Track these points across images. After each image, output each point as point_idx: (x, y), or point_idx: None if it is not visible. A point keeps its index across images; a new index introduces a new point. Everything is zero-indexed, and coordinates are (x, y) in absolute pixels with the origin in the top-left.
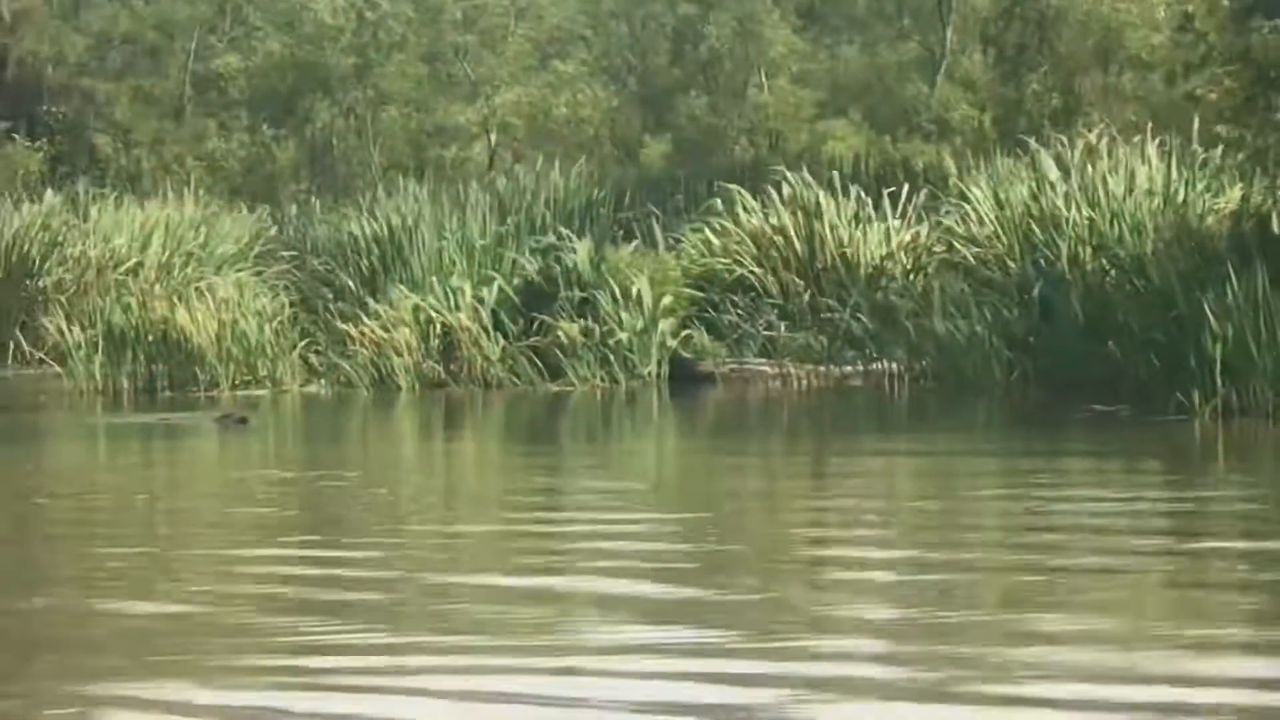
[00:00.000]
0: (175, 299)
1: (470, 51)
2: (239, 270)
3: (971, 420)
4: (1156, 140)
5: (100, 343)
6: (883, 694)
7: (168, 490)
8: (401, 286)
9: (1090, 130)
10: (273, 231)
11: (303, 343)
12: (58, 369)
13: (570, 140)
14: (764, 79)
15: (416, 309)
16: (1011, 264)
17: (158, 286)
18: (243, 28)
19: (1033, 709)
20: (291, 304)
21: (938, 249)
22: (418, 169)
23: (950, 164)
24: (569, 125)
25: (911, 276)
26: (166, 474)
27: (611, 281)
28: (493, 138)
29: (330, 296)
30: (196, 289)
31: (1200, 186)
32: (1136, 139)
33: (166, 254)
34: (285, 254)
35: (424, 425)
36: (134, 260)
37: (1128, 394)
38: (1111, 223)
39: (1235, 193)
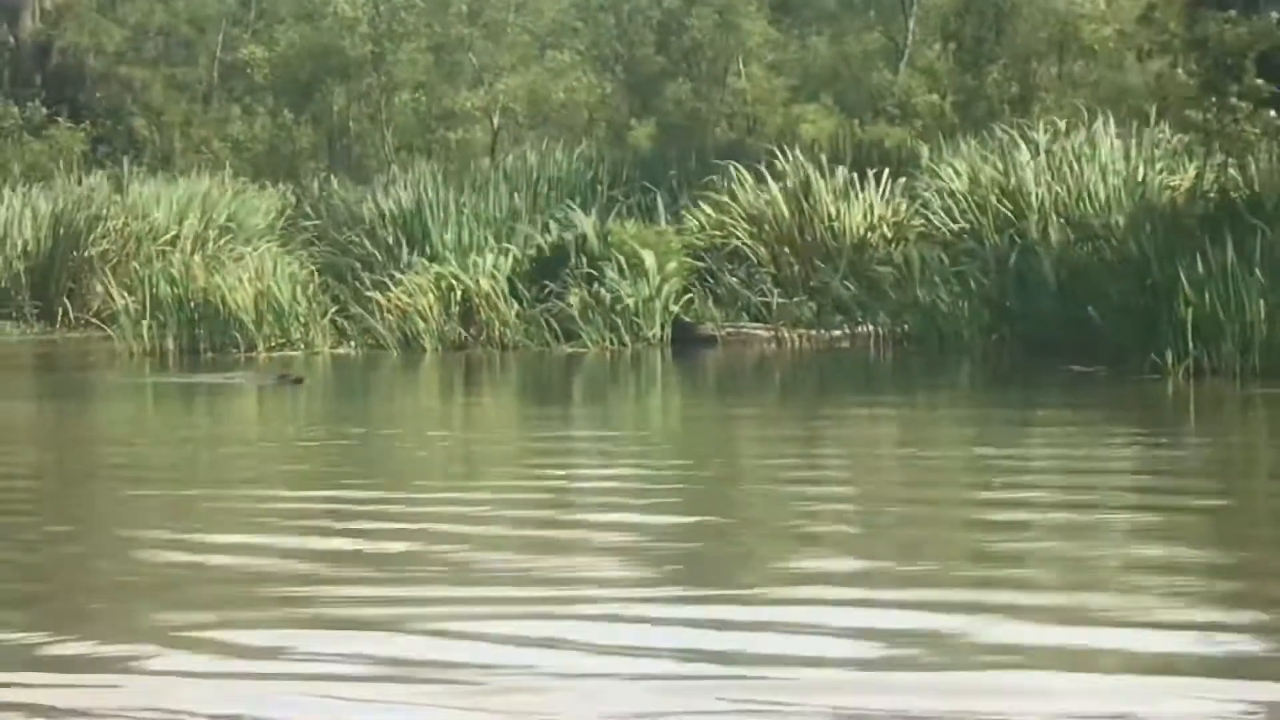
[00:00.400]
0: (213, 268)
1: (474, 42)
2: (267, 242)
3: (955, 379)
4: (1113, 123)
5: (146, 307)
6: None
7: (250, 441)
8: (422, 260)
9: (1046, 116)
10: (295, 207)
11: (333, 309)
12: (106, 331)
13: (565, 124)
14: (741, 67)
15: (439, 277)
16: (987, 237)
17: (196, 256)
18: (262, 20)
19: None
20: (320, 272)
21: (915, 222)
22: (426, 150)
23: (923, 146)
24: (565, 110)
25: (893, 247)
26: (243, 429)
27: (618, 252)
28: (495, 121)
29: (357, 267)
30: (233, 258)
31: (1159, 165)
32: (1098, 122)
33: (201, 226)
34: (308, 227)
35: (452, 382)
36: (171, 233)
37: (1104, 356)
38: (1078, 199)
39: (1191, 170)
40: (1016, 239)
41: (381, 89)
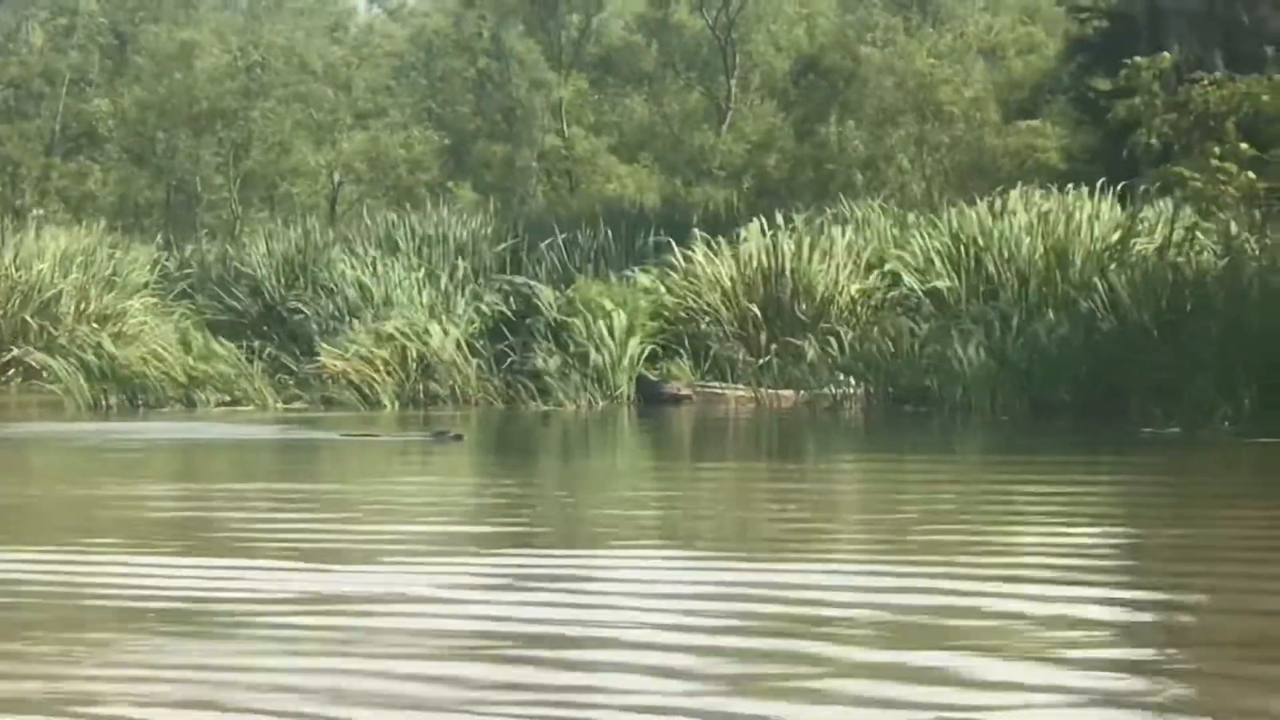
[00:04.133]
0: (123, 342)
1: (323, 101)
2: (142, 298)
3: (1040, 443)
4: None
5: (84, 372)
6: None
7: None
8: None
9: (899, 179)
10: (168, 262)
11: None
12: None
13: (388, 185)
14: (564, 124)
15: (392, 337)
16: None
17: (104, 332)
18: (104, 74)
19: None
20: (211, 329)
21: (879, 283)
22: (270, 206)
23: (880, 213)
24: (401, 168)
25: (869, 309)
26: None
27: (585, 311)
28: (336, 178)
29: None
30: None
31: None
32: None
33: (85, 279)
34: (183, 283)
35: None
36: (57, 287)
37: (1158, 417)
38: (1067, 260)
39: (1159, 231)
40: (993, 300)
41: (234, 144)
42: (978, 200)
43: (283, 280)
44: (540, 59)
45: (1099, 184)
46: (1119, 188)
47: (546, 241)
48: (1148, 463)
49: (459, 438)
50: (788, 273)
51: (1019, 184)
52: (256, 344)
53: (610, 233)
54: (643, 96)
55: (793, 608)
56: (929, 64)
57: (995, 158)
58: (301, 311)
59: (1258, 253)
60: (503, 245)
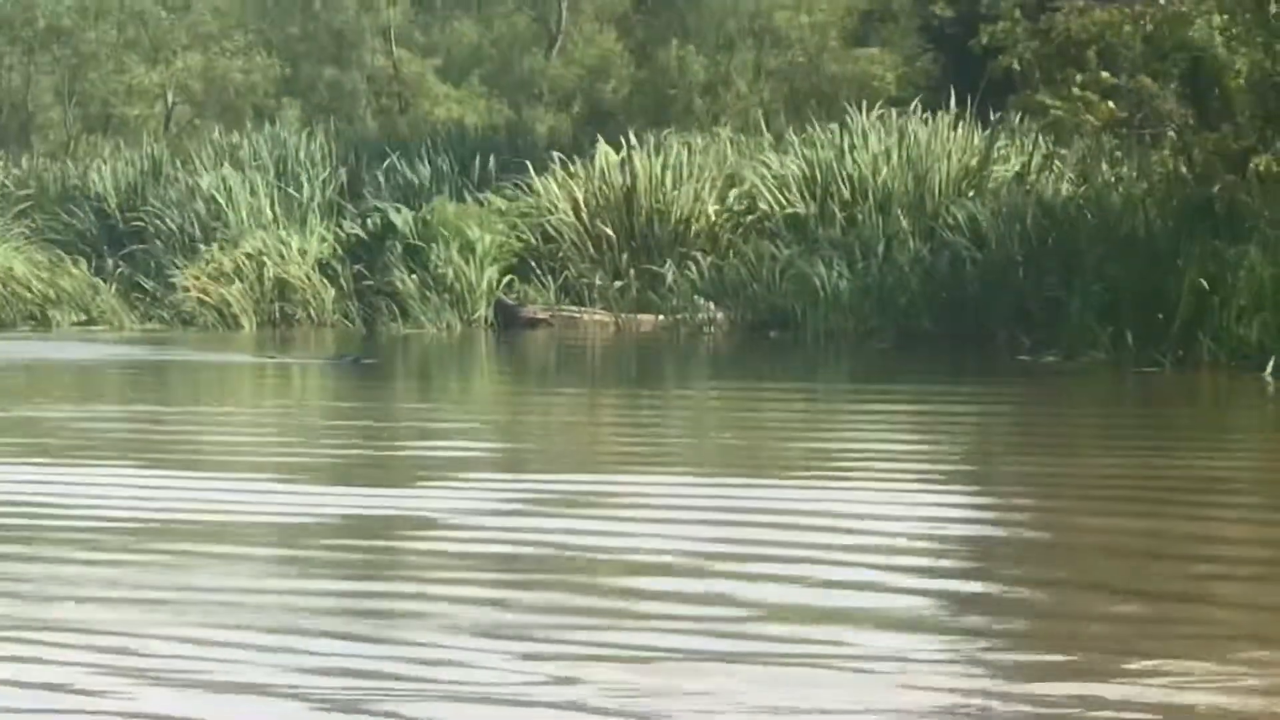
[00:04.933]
0: None
1: (157, 21)
2: None
3: (920, 370)
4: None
5: None
6: None
7: None
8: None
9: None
10: (7, 180)
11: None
12: None
13: (226, 106)
14: (392, 47)
15: (249, 256)
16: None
17: None
18: None
19: None
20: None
21: (737, 207)
22: (104, 128)
23: (726, 136)
24: (232, 91)
25: (726, 231)
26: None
27: (444, 233)
28: (170, 99)
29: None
30: None
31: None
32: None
33: None
34: (22, 203)
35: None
36: None
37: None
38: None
39: (1015, 159)
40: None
41: (69, 63)
42: (816, 126)
43: (125, 200)
44: None
45: (947, 111)
46: (969, 114)
47: (386, 163)
48: (1044, 392)
49: (359, 361)
50: (643, 195)
51: (865, 107)
52: (108, 263)
53: (450, 156)
54: (471, 20)
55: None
56: None
57: (835, 85)
58: (152, 230)
59: (1112, 181)
60: (344, 167)
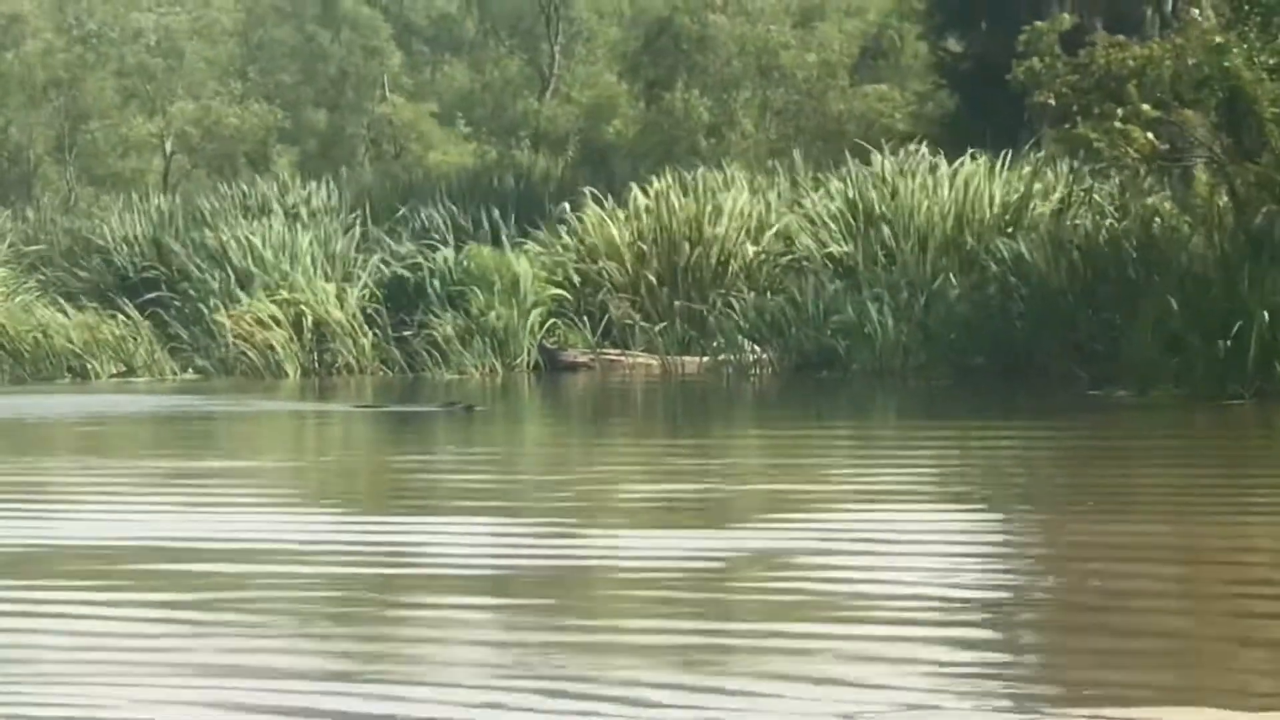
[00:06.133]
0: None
1: (156, 73)
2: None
3: (978, 408)
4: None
5: None
6: None
7: None
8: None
9: (743, 143)
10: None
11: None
12: None
13: (218, 154)
14: (387, 93)
15: (285, 304)
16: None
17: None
18: None
19: None
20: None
21: (774, 247)
22: (105, 181)
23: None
24: (234, 138)
25: (767, 275)
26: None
27: (484, 278)
28: (169, 147)
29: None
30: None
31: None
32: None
33: None
34: (30, 257)
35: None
36: None
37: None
38: (965, 222)
39: (1054, 194)
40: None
41: (68, 116)
42: (851, 163)
43: (140, 250)
44: (380, 24)
45: (980, 149)
46: (1004, 152)
47: (399, 212)
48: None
49: (471, 409)
50: (681, 233)
51: (887, 146)
52: (131, 315)
53: (465, 201)
54: (464, 64)
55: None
56: (767, 29)
57: (841, 122)
58: (183, 278)
59: (1152, 213)
60: (355, 214)
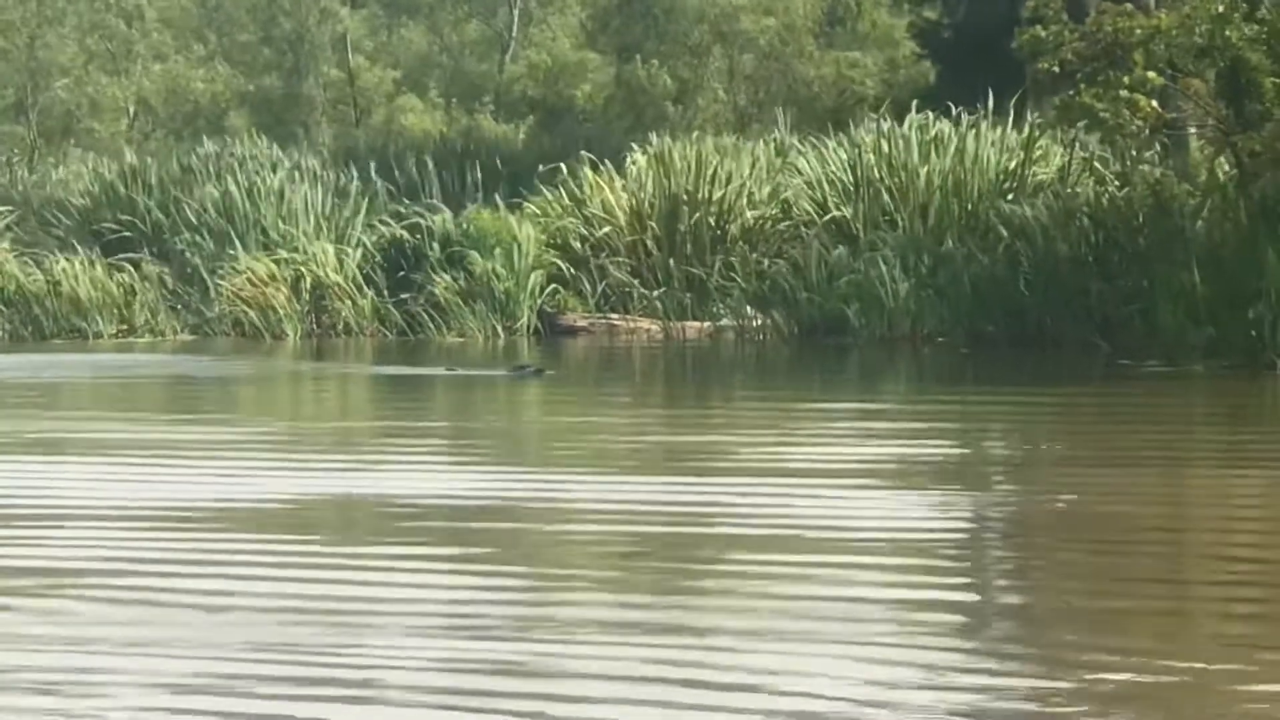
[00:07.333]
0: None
1: (117, 32)
2: None
3: (1004, 376)
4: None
5: None
6: None
7: None
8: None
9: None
10: None
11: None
12: None
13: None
14: (350, 55)
15: (283, 263)
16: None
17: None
18: None
19: None
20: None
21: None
22: (74, 141)
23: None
24: (199, 102)
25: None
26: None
27: (483, 241)
28: (132, 111)
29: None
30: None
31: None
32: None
33: None
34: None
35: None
36: None
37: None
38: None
39: (1055, 161)
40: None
41: (31, 75)
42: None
43: (110, 205)
44: None
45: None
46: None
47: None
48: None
49: (541, 372)
50: (682, 196)
51: (881, 113)
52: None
53: (453, 165)
54: (421, 27)
55: None
56: None
57: (812, 89)
58: (177, 237)
59: (1154, 181)
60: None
